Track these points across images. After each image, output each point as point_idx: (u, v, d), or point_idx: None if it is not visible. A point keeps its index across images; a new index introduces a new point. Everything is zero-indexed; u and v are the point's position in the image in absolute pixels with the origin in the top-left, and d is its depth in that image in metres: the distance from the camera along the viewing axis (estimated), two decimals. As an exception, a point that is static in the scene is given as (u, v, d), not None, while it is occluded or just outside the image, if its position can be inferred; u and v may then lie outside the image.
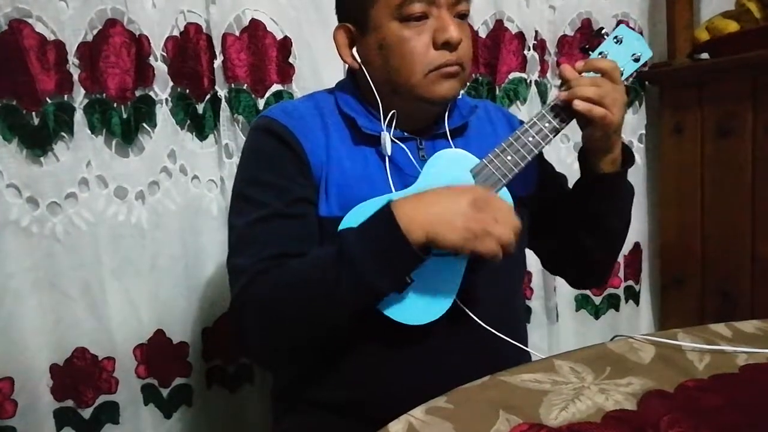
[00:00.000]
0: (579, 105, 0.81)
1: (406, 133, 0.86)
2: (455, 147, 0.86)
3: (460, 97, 0.88)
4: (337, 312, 0.75)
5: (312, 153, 0.83)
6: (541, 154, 1.05)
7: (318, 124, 0.86)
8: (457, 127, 0.89)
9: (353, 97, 0.88)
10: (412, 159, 0.84)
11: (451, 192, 0.74)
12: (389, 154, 0.82)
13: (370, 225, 0.74)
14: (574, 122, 0.85)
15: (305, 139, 0.83)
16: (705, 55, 1.57)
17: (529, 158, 0.82)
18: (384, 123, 0.83)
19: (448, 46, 0.79)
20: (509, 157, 0.81)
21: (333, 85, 0.94)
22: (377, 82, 0.83)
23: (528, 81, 1.50)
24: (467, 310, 0.79)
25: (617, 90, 0.81)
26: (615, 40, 0.87)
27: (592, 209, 0.91)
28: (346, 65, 0.87)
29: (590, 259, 0.97)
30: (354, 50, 0.85)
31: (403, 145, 0.84)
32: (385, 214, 0.72)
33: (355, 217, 0.76)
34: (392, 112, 0.83)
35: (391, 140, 0.83)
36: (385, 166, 0.83)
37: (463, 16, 0.82)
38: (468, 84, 1.45)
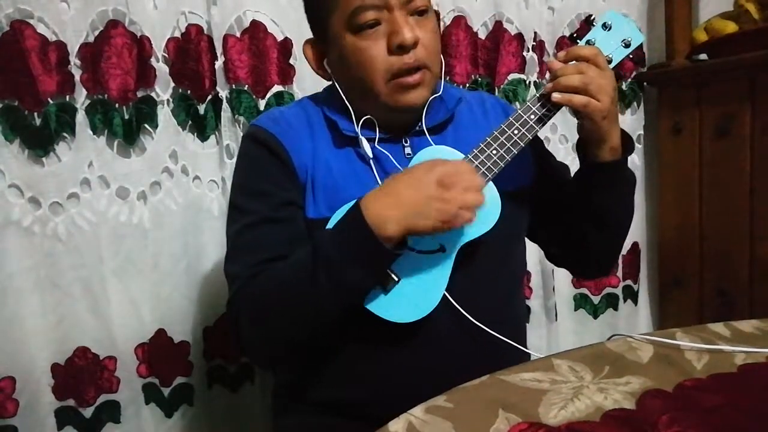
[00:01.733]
0: (556, 97, 0.80)
1: (389, 135, 0.86)
2: (445, 141, 0.86)
3: (440, 92, 0.86)
4: (322, 310, 0.76)
5: (297, 157, 0.84)
6: (542, 144, 1.05)
7: (304, 128, 0.87)
8: (443, 121, 0.89)
9: (337, 100, 0.88)
10: (396, 159, 0.84)
11: (415, 177, 0.73)
12: (370, 155, 0.83)
13: (341, 223, 0.75)
14: (572, 123, 0.85)
15: (290, 144, 0.84)
16: (703, 56, 1.57)
17: (515, 151, 0.80)
18: (357, 128, 0.83)
19: (403, 48, 0.78)
20: (494, 151, 0.79)
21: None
22: (347, 91, 0.84)
23: (527, 82, 1.50)
24: (459, 307, 0.79)
25: (603, 76, 0.79)
26: (603, 26, 0.85)
27: (593, 199, 0.89)
28: None
29: (594, 249, 0.94)
30: (325, 62, 0.86)
31: (382, 149, 0.84)
32: (353, 210, 0.73)
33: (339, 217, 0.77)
34: (365, 117, 0.83)
35: (372, 141, 0.84)
36: (371, 167, 0.84)
37: (421, 13, 0.80)
38: (467, 85, 1.45)
